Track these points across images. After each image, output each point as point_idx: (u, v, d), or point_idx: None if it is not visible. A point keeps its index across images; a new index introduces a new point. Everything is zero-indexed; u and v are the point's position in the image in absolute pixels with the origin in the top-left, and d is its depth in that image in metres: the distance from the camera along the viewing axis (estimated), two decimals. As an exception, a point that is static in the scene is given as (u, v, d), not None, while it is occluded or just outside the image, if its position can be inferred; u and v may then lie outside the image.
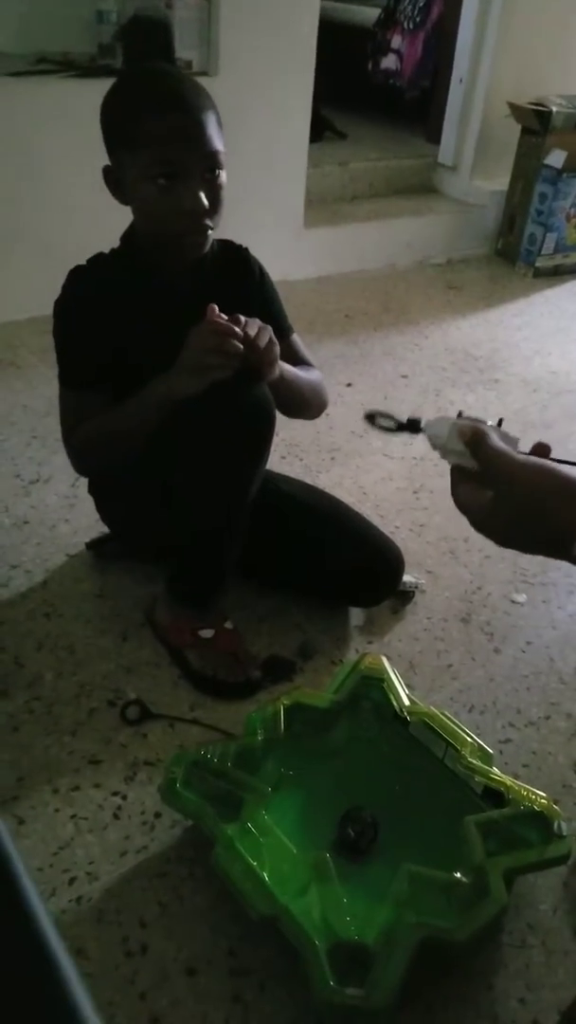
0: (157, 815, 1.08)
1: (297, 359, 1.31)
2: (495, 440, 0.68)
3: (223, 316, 1.06)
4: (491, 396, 2.24)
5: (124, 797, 1.10)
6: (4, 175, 2.22)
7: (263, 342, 1.08)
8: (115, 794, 1.11)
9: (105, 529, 1.48)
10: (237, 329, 1.04)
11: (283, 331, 1.29)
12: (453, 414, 0.73)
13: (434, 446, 0.72)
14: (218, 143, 1.08)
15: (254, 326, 1.08)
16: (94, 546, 1.51)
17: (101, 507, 1.42)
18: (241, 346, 1.04)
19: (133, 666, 1.30)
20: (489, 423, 0.72)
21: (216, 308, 1.06)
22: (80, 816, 1.08)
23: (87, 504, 1.45)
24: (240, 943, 0.95)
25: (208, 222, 1.11)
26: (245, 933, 0.95)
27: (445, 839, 1.00)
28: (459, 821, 0.99)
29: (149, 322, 1.18)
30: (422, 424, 0.74)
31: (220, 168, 1.09)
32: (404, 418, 0.78)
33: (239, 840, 0.95)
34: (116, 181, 1.13)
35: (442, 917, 0.91)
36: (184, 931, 0.96)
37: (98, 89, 2.37)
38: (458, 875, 0.95)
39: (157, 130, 1.05)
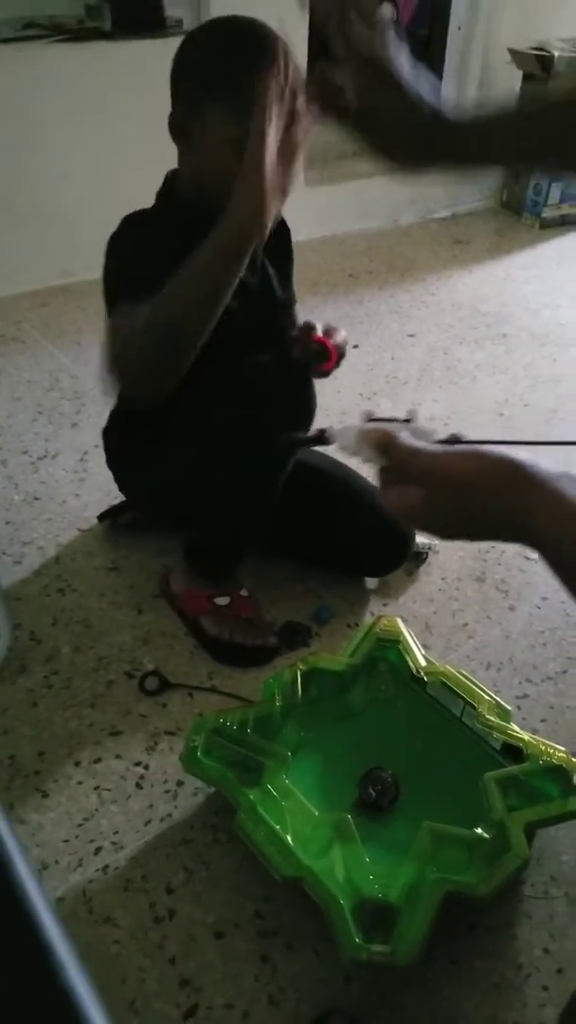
0: (179, 783, 1.09)
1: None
2: (406, 438, 0.64)
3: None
4: (499, 351, 2.21)
5: (146, 767, 1.12)
6: (-5, 146, 2.18)
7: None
8: (137, 764, 1.12)
9: (114, 501, 1.47)
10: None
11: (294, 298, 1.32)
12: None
13: (349, 455, 0.70)
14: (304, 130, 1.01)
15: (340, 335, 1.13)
16: (106, 516, 1.50)
17: (120, 477, 1.39)
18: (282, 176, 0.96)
19: (149, 637, 1.30)
20: (401, 419, 0.70)
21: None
22: (103, 787, 1.09)
23: (97, 478, 1.45)
24: (266, 905, 0.96)
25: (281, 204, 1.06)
26: (270, 895, 0.96)
27: (465, 796, 1.01)
28: (479, 778, 1.00)
29: None
30: (327, 435, 0.71)
31: (298, 156, 1.03)
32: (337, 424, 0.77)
33: (261, 804, 0.96)
34: (184, 129, 1.06)
35: (464, 872, 0.91)
36: (210, 896, 0.97)
37: (87, 53, 2.34)
38: (479, 831, 0.96)
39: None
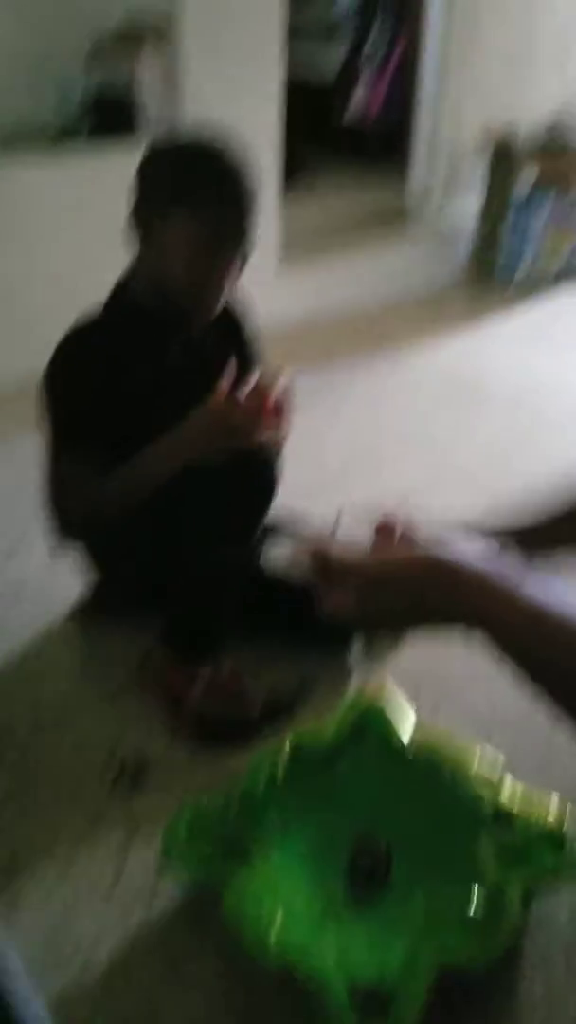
0: (159, 878, 1.05)
1: None
2: (336, 552, 0.69)
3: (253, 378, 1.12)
4: (477, 416, 2.24)
5: (125, 858, 1.08)
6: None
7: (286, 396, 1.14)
8: (115, 861, 1.08)
9: (87, 592, 1.47)
10: (266, 392, 1.10)
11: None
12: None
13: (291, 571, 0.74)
14: (255, 241, 1.15)
15: (278, 381, 1.14)
16: (80, 609, 1.49)
17: (95, 563, 1.41)
18: (261, 418, 1.09)
19: (128, 723, 1.27)
20: (332, 525, 0.74)
21: (227, 384, 1.10)
22: (80, 886, 1.05)
23: (70, 568, 1.44)
24: (251, 1008, 0.92)
25: (224, 299, 1.17)
26: (255, 998, 0.92)
27: (458, 864, 0.98)
28: (471, 844, 0.97)
29: (153, 382, 1.19)
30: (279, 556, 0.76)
31: (250, 258, 1.16)
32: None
33: (248, 889, 0.93)
34: (145, 228, 1.14)
35: (460, 945, 0.88)
36: (193, 999, 0.92)
37: (66, 159, 2.44)
38: (474, 899, 0.93)
39: (221, 215, 1.10)
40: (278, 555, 0.74)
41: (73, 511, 1.23)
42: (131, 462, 1.16)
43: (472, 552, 0.64)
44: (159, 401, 1.19)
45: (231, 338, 1.30)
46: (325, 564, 0.69)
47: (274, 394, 1.12)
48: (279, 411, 1.13)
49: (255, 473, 1.17)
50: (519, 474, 1.97)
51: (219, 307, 1.19)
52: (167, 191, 1.11)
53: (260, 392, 1.12)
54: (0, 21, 2.47)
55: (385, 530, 0.78)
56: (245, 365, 1.29)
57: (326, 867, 1.02)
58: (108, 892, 1.04)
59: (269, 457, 1.19)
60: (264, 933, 0.89)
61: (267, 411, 1.11)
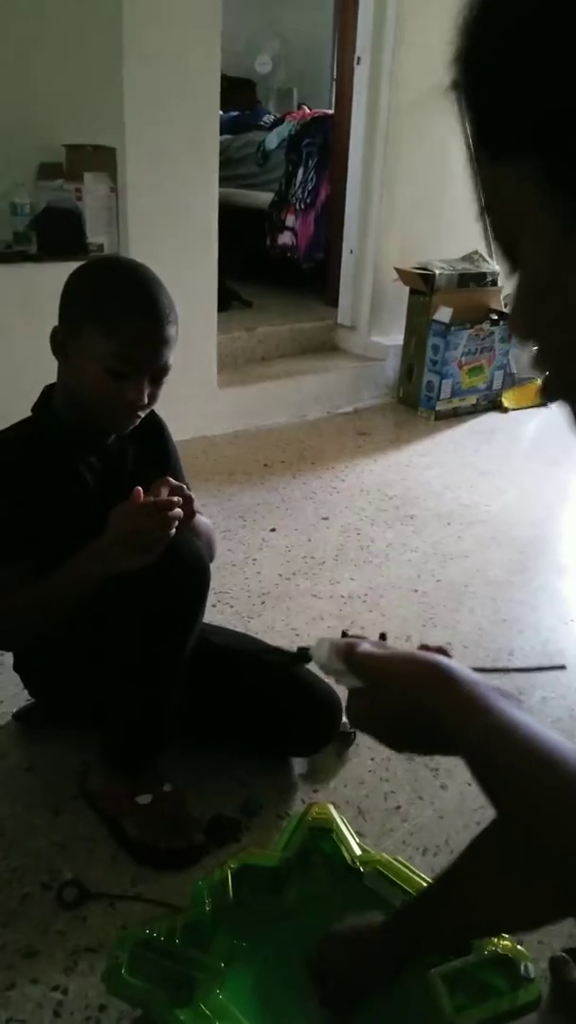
0: (102, 1007, 0.99)
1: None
2: (366, 646, 0.71)
3: (148, 494, 1.11)
4: (408, 531, 2.32)
5: (65, 991, 1.01)
6: None
7: (186, 495, 1.14)
8: (55, 988, 1.02)
9: (30, 699, 1.43)
10: (173, 499, 1.10)
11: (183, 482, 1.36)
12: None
13: (326, 672, 0.76)
14: (172, 357, 1.16)
15: (167, 486, 1.14)
16: (21, 716, 1.45)
17: (28, 678, 1.38)
18: (179, 512, 1.09)
19: (67, 842, 1.22)
20: (373, 639, 0.77)
21: (141, 492, 1.10)
22: (16, 1019, 0.98)
23: (11, 674, 1.41)
24: None
25: (140, 414, 1.18)
26: None
27: (411, 996, 0.95)
28: (423, 975, 0.95)
29: (65, 497, 1.20)
30: (310, 652, 0.76)
31: (166, 377, 1.17)
32: (294, 648, 0.81)
33: (192, 1035, 0.88)
34: (63, 345, 1.16)
35: None
36: None
37: (14, 273, 2.52)
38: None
39: (131, 331, 1.11)
40: (318, 653, 0.74)
41: (4, 623, 1.22)
42: (52, 576, 1.15)
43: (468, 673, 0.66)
44: (76, 514, 1.20)
45: (150, 448, 1.32)
46: (356, 656, 0.70)
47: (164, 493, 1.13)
48: (187, 504, 1.14)
49: (184, 565, 1.15)
50: (453, 585, 2.03)
51: (134, 422, 1.20)
52: (79, 310, 1.14)
53: (158, 491, 1.12)
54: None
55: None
56: (164, 472, 1.31)
57: (275, 1004, 0.97)
58: (49, 1021, 0.98)
59: (195, 550, 1.18)
60: None
61: (179, 509, 1.11)
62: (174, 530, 1.10)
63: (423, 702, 0.64)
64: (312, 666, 0.78)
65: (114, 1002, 0.98)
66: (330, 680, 0.76)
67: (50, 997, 1.01)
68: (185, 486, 1.17)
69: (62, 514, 1.19)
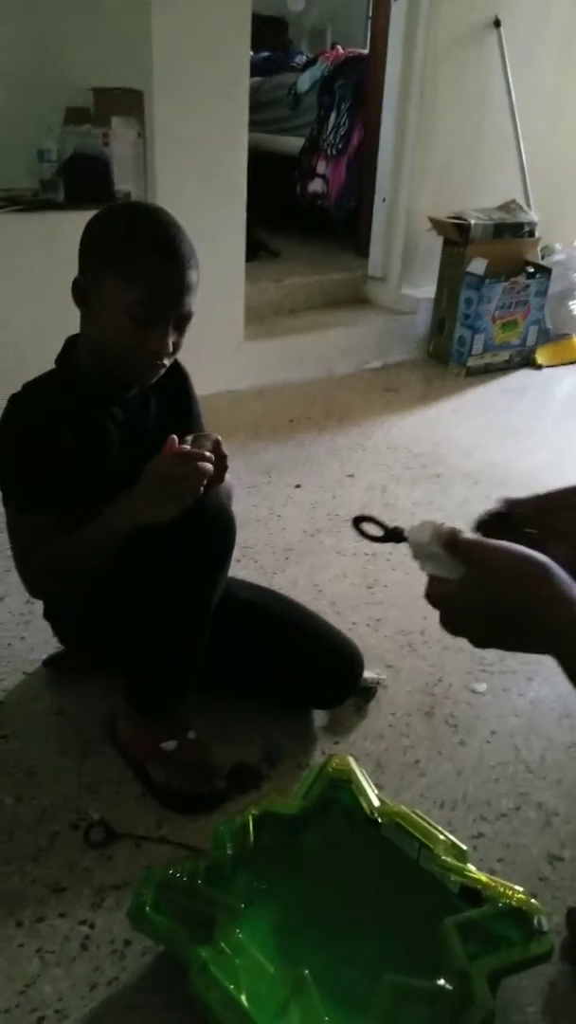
0: (127, 942, 1.04)
1: None
2: (468, 534, 0.71)
3: (184, 441, 1.12)
4: (435, 490, 2.31)
5: (92, 925, 1.06)
6: (-49, 303, 2.29)
7: (223, 451, 1.15)
8: (82, 923, 1.06)
9: (60, 646, 1.46)
10: (205, 451, 1.10)
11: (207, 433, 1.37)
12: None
13: (415, 554, 0.74)
14: (195, 304, 1.15)
15: (210, 441, 1.14)
16: (51, 663, 1.49)
17: (58, 625, 1.41)
18: (210, 465, 1.10)
19: (95, 785, 1.26)
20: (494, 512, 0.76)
21: (176, 439, 1.11)
22: (46, 949, 1.02)
23: (42, 621, 1.44)
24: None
25: (165, 363, 1.17)
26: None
27: (425, 943, 0.98)
28: (438, 924, 0.97)
29: (90, 449, 1.21)
30: (406, 532, 0.76)
31: (188, 324, 1.16)
32: (390, 524, 0.79)
33: (213, 963, 0.92)
34: (85, 294, 1.15)
35: (429, 1029, 0.88)
36: (161, 1069, 0.91)
37: (41, 221, 2.50)
38: (441, 982, 0.93)
39: (153, 277, 1.10)
40: (415, 536, 0.73)
41: (35, 571, 1.24)
42: (87, 526, 1.16)
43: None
44: (101, 466, 1.21)
45: (172, 400, 1.32)
46: (459, 543, 0.70)
47: (209, 445, 1.14)
48: (219, 462, 1.14)
49: (211, 519, 1.16)
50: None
51: (159, 373, 1.19)
52: (100, 258, 1.13)
53: (202, 445, 1.13)
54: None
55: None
56: (187, 424, 1.32)
57: (291, 944, 1.01)
58: (77, 953, 1.02)
59: (221, 504, 1.19)
60: (228, 1014, 0.87)
61: (215, 458, 1.12)
62: (203, 486, 1.11)
63: (524, 596, 0.64)
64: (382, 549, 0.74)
65: (139, 937, 1.02)
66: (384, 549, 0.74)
67: (78, 930, 1.05)
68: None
69: (87, 466, 1.20)
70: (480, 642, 0.71)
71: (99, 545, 1.16)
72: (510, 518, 0.77)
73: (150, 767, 1.26)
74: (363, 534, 0.80)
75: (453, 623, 0.70)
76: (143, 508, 1.12)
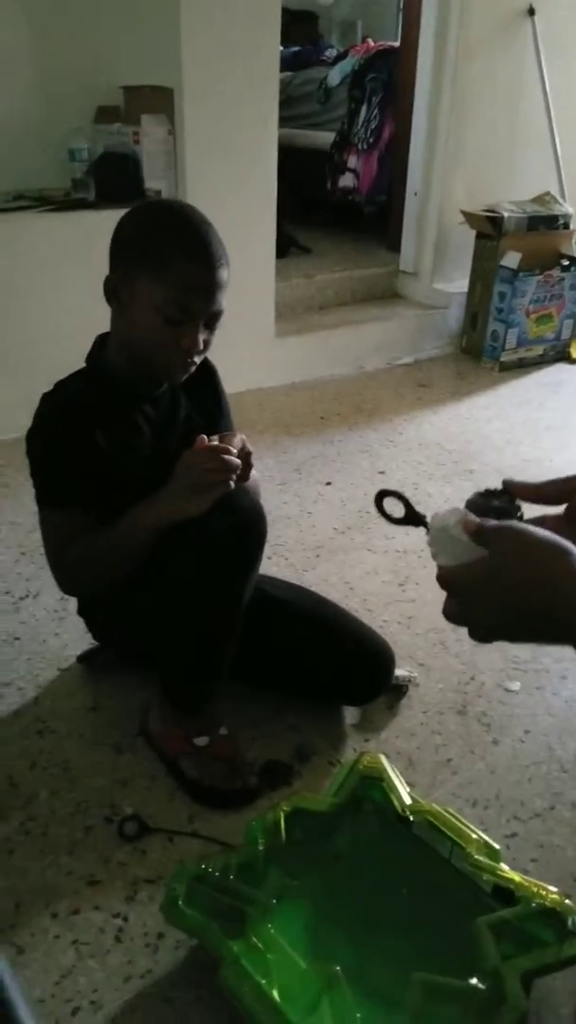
0: (160, 936, 1.05)
1: None
2: (494, 521, 0.68)
3: (213, 439, 1.13)
4: (467, 487, 2.28)
5: (125, 918, 1.07)
6: (-14, 303, 2.32)
7: (248, 448, 1.15)
8: (116, 916, 1.07)
9: (94, 641, 1.48)
10: (231, 448, 1.11)
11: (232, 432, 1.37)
12: (433, 506, 0.74)
13: (432, 540, 0.71)
14: (225, 302, 1.15)
15: (238, 439, 1.15)
16: (85, 659, 1.51)
17: (92, 621, 1.43)
18: (238, 460, 1.11)
19: (129, 779, 1.28)
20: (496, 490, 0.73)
21: (205, 437, 1.13)
22: (81, 941, 1.04)
23: (76, 617, 1.46)
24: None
25: (195, 361, 1.18)
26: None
27: (457, 942, 0.98)
28: (470, 923, 0.97)
29: (122, 447, 1.22)
30: (428, 518, 0.72)
31: (219, 322, 1.17)
32: (415, 505, 0.75)
33: (245, 957, 0.93)
34: (116, 293, 1.16)
35: (461, 1029, 0.88)
36: (194, 1061, 0.92)
37: (72, 221, 2.52)
38: (473, 981, 0.92)
39: (184, 275, 1.10)
40: (439, 521, 0.69)
41: (67, 568, 1.25)
42: (119, 521, 1.18)
43: None
44: (133, 463, 1.22)
45: (202, 397, 1.33)
46: (485, 530, 0.66)
47: (237, 442, 1.15)
48: (244, 460, 1.15)
49: (243, 517, 1.16)
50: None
51: (189, 371, 1.20)
52: (131, 257, 1.13)
53: (229, 441, 1.14)
54: (13, 88, 2.57)
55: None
56: (215, 422, 1.33)
57: (322, 941, 1.01)
58: (111, 945, 1.04)
59: (253, 501, 1.19)
60: (260, 1008, 0.88)
61: (237, 460, 1.13)
62: (233, 483, 1.12)
63: (550, 577, 0.61)
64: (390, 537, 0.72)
65: (171, 931, 1.03)
66: (418, 548, 0.70)
67: (112, 923, 1.06)
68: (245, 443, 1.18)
69: (118, 463, 1.21)
70: (485, 631, 0.67)
71: (131, 541, 1.18)
72: (507, 495, 0.73)
73: (182, 762, 1.27)
74: (384, 512, 0.77)
75: (462, 607, 0.67)
76: (173, 502, 1.13)
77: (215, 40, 2.45)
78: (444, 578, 0.69)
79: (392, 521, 0.77)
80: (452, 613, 0.69)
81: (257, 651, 1.34)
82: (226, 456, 1.11)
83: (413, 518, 0.75)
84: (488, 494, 0.72)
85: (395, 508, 0.76)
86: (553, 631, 0.64)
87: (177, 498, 1.13)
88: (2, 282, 2.33)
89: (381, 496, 0.77)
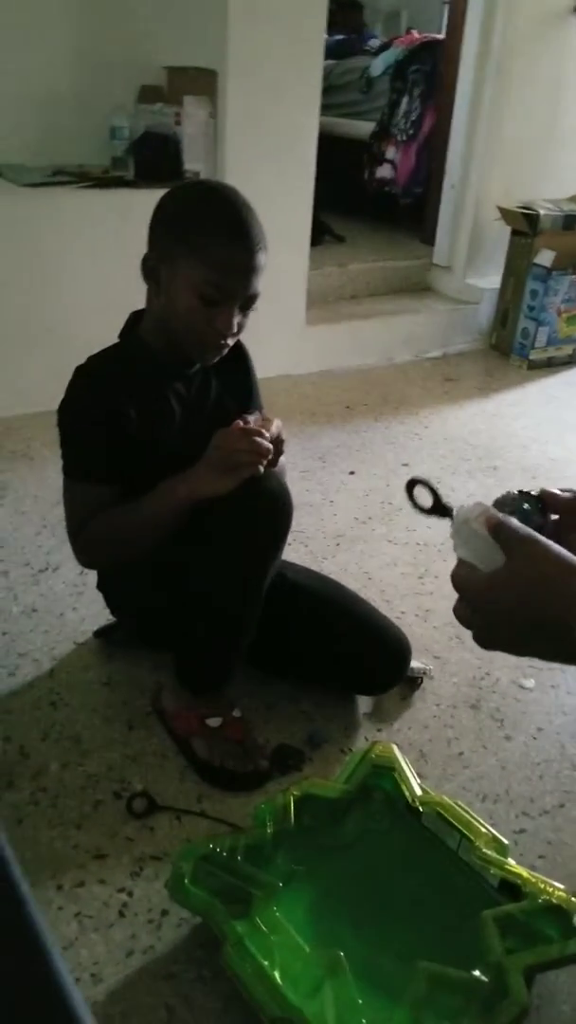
0: (164, 912, 1.05)
1: None
2: (517, 523, 0.66)
3: (247, 419, 1.14)
4: (491, 483, 2.27)
5: (130, 894, 1.08)
6: (22, 276, 2.33)
7: (282, 436, 1.16)
8: (121, 890, 1.08)
9: (112, 616, 1.49)
10: (264, 430, 1.11)
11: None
12: (456, 501, 0.72)
13: (455, 532, 0.70)
14: (261, 286, 1.15)
15: (275, 425, 1.15)
16: (102, 634, 1.51)
17: (110, 598, 1.43)
18: (270, 444, 1.11)
19: (140, 756, 1.28)
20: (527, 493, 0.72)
21: (241, 420, 1.13)
22: (85, 914, 1.05)
23: (95, 592, 1.46)
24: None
25: (229, 343, 1.18)
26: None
27: (461, 934, 0.98)
28: (475, 916, 0.97)
29: (153, 424, 1.21)
30: (455, 509, 0.71)
31: (254, 305, 1.17)
32: (443, 496, 0.74)
33: (249, 938, 0.93)
34: (154, 271, 1.16)
35: (460, 1020, 0.87)
36: (193, 1036, 0.92)
37: (111, 198, 2.53)
38: (476, 974, 0.92)
39: (223, 257, 1.10)
40: (463, 513, 0.68)
41: (89, 541, 1.25)
42: (146, 496, 1.17)
43: None
44: (163, 441, 1.22)
45: (233, 379, 1.32)
46: (504, 529, 0.64)
47: (273, 429, 1.15)
48: (277, 444, 1.16)
49: (269, 500, 1.16)
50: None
51: (222, 352, 1.20)
52: (171, 236, 1.13)
53: (262, 424, 1.15)
54: (57, 64, 2.58)
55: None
56: (245, 404, 1.33)
57: (326, 926, 1.01)
58: (114, 920, 1.04)
59: (281, 484, 1.19)
60: (261, 989, 0.88)
61: (272, 440, 1.13)
62: (262, 467, 1.11)
63: (563, 598, 0.60)
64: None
65: (175, 908, 1.03)
66: (438, 541, 0.69)
67: (116, 898, 1.07)
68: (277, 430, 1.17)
69: (148, 440, 1.21)
70: (489, 639, 0.66)
71: (156, 515, 1.17)
72: (537, 501, 0.71)
73: (194, 742, 1.27)
74: (413, 501, 0.76)
75: (472, 610, 0.66)
76: (201, 478, 1.13)
77: (261, 25, 2.43)
78: (457, 580, 0.67)
79: (420, 510, 0.76)
80: (461, 615, 0.68)
81: (274, 636, 1.34)
82: (258, 439, 1.11)
83: (440, 509, 0.75)
84: (521, 496, 0.72)
85: (424, 497, 0.75)
86: (554, 649, 0.63)
87: (206, 474, 1.13)
88: (37, 256, 2.33)
89: (412, 484, 0.76)
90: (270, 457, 1.13)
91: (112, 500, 1.20)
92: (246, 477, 1.11)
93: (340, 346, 3.05)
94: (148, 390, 1.22)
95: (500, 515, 0.67)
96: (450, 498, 0.72)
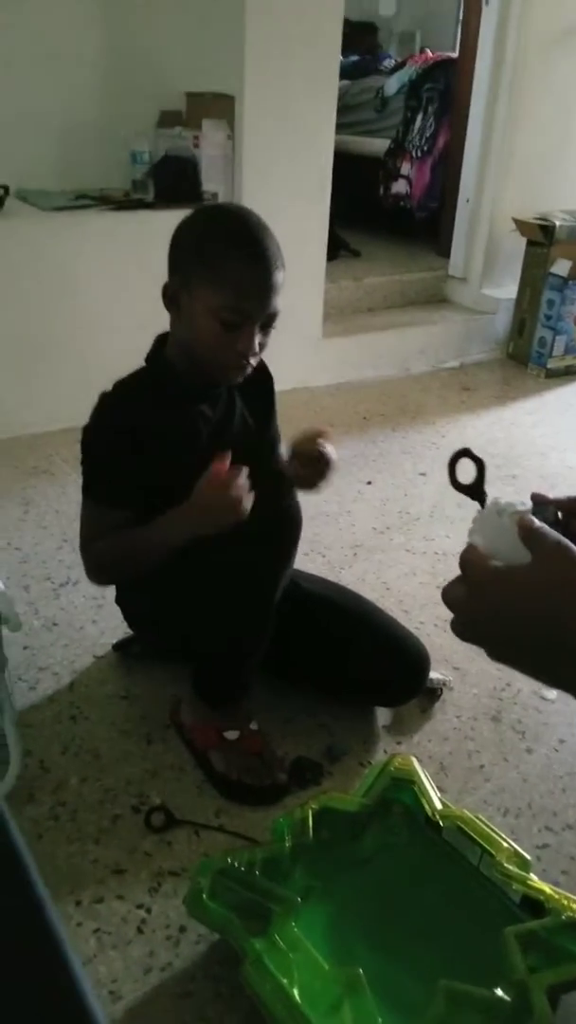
0: (182, 929, 1.04)
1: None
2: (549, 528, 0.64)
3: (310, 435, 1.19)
4: (509, 491, 2.23)
5: (148, 910, 1.07)
6: (45, 297, 2.36)
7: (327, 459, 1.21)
8: (139, 906, 1.07)
9: (131, 630, 1.49)
10: (239, 481, 1.10)
11: (279, 436, 1.39)
12: (474, 508, 0.71)
13: (476, 518, 0.69)
14: (280, 304, 1.16)
15: (329, 448, 1.21)
16: (120, 647, 1.51)
17: (127, 612, 1.43)
18: (243, 497, 1.10)
19: (158, 770, 1.28)
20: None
21: (227, 458, 1.12)
22: (103, 930, 1.04)
23: (114, 605, 1.46)
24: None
25: (252, 363, 1.18)
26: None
27: (483, 952, 0.96)
28: (497, 933, 0.95)
29: (179, 446, 1.22)
30: (488, 500, 0.70)
31: (274, 323, 1.17)
32: (486, 475, 0.72)
33: (268, 956, 0.91)
34: (175, 298, 1.17)
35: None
36: (212, 1055, 0.91)
37: (131, 220, 2.56)
38: (498, 992, 0.90)
39: (240, 281, 1.11)
40: (498, 508, 0.66)
41: (95, 560, 1.26)
42: (151, 526, 1.18)
43: None
44: (190, 463, 1.21)
45: (257, 398, 1.33)
46: (530, 526, 0.63)
47: (321, 447, 1.18)
48: (325, 461, 1.18)
49: (278, 514, 1.17)
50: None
51: (246, 372, 1.20)
52: (189, 263, 1.14)
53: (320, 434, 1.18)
54: (81, 92, 2.62)
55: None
56: (267, 424, 1.35)
57: (347, 943, 0.99)
58: (133, 936, 1.04)
59: (291, 503, 1.19)
60: (280, 1007, 0.87)
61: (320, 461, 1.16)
62: (248, 505, 1.11)
63: (549, 592, 0.59)
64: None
65: (194, 924, 1.02)
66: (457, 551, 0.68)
67: (135, 914, 1.06)
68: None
69: (177, 464, 1.21)
70: (472, 629, 0.65)
71: (155, 547, 1.18)
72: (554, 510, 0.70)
73: (212, 756, 1.26)
74: (453, 473, 0.73)
75: (468, 595, 0.64)
76: (189, 523, 1.14)
77: (278, 50, 2.47)
78: (466, 562, 0.65)
79: (457, 485, 0.73)
80: (452, 595, 0.66)
81: (291, 647, 1.34)
82: (231, 491, 1.09)
83: (479, 490, 0.72)
84: (536, 507, 0.70)
85: (465, 473, 0.72)
86: (539, 658, 0.62)
87: (191, 520, 1.14)
88: (61, 278, 2.37)
89: (459, 455, 0.73)
90: (319, 475, 1.16)
91: (126, 524, 1.21)
92: (228, 523, 1.11)
93: (356, 358, 3.06)
94: (175, 413, 1.23)
95: (536, 520, 0.65)
96: (469, 505, 0.71)
